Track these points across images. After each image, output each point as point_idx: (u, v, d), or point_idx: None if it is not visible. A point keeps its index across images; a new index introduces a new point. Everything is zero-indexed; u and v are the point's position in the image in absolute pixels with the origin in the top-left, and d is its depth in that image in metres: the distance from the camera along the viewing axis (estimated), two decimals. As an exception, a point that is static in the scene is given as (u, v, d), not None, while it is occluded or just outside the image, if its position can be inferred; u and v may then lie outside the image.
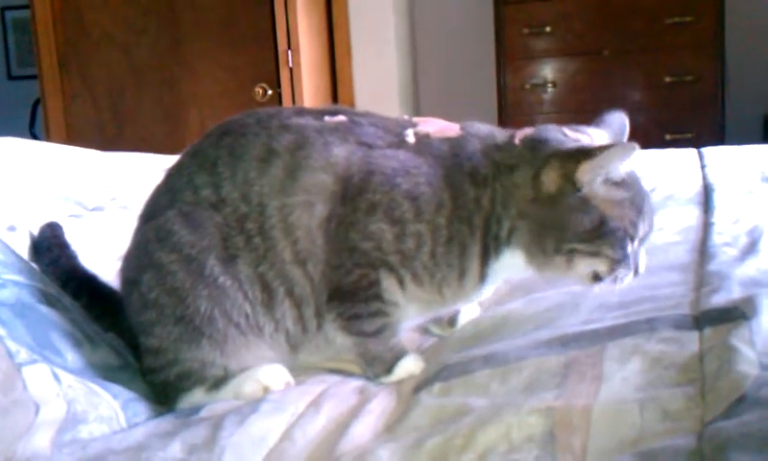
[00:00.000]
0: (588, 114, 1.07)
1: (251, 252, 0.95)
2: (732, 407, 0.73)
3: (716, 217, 1.43)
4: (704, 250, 1.26)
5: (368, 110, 1.06)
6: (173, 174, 1.03)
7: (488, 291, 1.05)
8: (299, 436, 0.82)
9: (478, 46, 3.69)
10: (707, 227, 1.39)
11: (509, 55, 3.44)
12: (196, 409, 0.93)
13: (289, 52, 3.01)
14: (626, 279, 0.97)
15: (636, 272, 0.97)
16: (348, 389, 0.94)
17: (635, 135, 0.97)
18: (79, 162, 1.96)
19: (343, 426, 0.84)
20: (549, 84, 3.43)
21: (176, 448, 0.81)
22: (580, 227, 0.94)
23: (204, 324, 0.95)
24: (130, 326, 1.02)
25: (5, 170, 1.70)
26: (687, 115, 3.32)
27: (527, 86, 3.45)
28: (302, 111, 1.03)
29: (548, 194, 0.94)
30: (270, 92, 3.10)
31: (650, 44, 3.32)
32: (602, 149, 0.92)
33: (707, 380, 0.80)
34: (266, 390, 0.95)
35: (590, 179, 0.92)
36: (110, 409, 0.90)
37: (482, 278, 1.00)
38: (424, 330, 1.13)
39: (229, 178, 0.97)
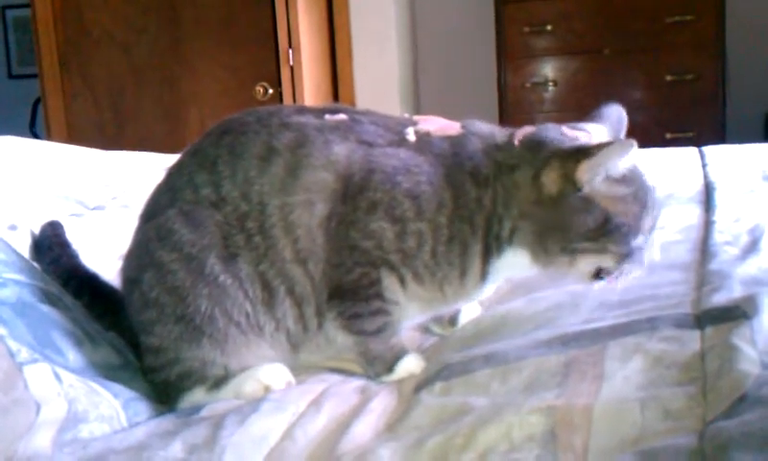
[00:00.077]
0: (588, 113, 1.07)
1: (251, 250, 0.95)
2: (734, 406, 0.73)
3: (717, 216, 1.43)
4: (705, 249, 1.26)
5: (368, 109, 1.06)
6: (173, 173, 1.03)
7: (489, 290, 1.05)
8: (299, 435, 0.82)
9: (479, 45, 3.69)
10: (708, 225, 1.39)
11: (509, 53, 3.44)
12: (197, 408, 0.92)
13: (290, 51, 3.01)
14: (633, 273, 0.97)
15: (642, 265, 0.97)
16: (348, 388, 0.94)
17: (635, 134, 0.97)
18: (79, 161, 1.96)
19: (344, 426, 0.84)
20: (550, 83, 3.43)
21: (176, 447, 0.81)
22: (584, 226, 0.93)
23: (205, 323, 0.95)
24: (130, 325, 1.02)
25: (6, 169, 1.70)
26: (688, 114, 3.32)
27: (528, 85, 3.44)
28: (303, 110, 1.03)
29: (550, 195, 0.94)
30: (270, 91, 3.10)
31: (651, 43, 3.32)
32: (600, 147, 0.92)
33: (708, 379, 0.80)
34: (267, 389, 0.95)
35: (590, 177, 0.92)
36: (111, 408, 0.90)
37: (483, 276, 0.99)
38: (425, 329, 1.13)
39: (230, 176, 0.96)
